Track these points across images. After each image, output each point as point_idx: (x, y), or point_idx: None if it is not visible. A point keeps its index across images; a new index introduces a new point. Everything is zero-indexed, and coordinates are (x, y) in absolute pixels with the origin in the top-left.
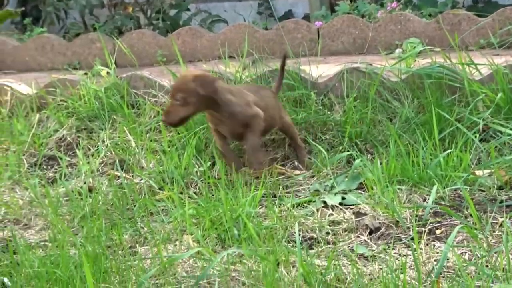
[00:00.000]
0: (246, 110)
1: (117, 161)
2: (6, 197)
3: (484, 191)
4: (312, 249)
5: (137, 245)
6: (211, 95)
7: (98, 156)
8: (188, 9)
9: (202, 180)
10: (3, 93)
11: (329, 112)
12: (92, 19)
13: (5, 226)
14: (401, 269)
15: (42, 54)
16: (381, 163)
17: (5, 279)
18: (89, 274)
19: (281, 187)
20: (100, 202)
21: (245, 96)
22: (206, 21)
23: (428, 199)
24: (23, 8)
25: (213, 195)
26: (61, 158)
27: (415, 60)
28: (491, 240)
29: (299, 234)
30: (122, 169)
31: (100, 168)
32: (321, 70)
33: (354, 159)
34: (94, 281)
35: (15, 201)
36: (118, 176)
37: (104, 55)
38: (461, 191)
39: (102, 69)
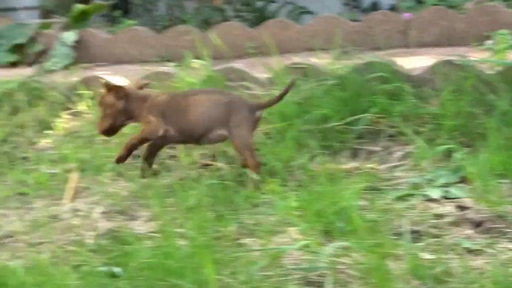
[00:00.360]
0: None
1: (219, 153)
2: (111, 189)
3: None
4: (417, 242)
5: (242, 237)
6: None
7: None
8: (274, 1)
9: (302, 172)
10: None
11: (425, 105)
12: (180, 12)
13: (112, 218)
14: (510, 263)
15: (133, 46)
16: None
17: (117, 269)
18: (209, 264)
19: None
20: (203, 194)
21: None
22: (293, 12)
23: None
24: (113, 1)
25: (314, 187)
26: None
27: (507, 52)
28: None
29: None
30: (221, 161)
31: (199, 160)
32: (412, 62)
33: (452, 152)
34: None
35: (119, 192)
36: (217, 168)
37: (194, 47)
38: None
39: (196, 62)
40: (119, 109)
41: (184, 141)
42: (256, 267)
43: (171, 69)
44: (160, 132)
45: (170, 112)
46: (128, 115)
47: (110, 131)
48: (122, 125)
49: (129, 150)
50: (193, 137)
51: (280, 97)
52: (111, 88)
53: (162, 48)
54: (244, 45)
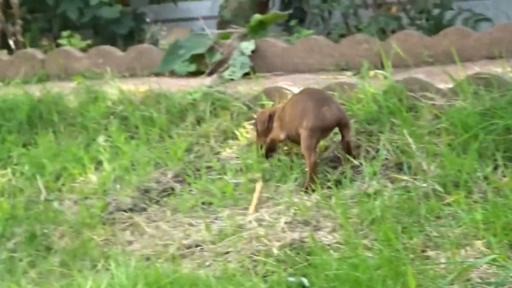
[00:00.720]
0: None
1: (400, 164)
2: (294, 199)
3: None
4: None
5: (427, 249)
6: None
7: (379, 159)
8: (452, 8)
9: (486, 184)
10: (282, 95)
11: None
12: (355, 20)
13: (296, 228)
14: None
15: (310, 55)
16: None
17: (304, 280)
18: (411, 277)
19: None
20: (387, 205)
21: None
22: (469, 20)
23: None
24: (291, 11)
25: (499, 199)
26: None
27: None
28: None
29: None
30: (403, 172)
31: (381, 171)
32: None
33: None
34: (392, 285)
35: (303, 202)
36: (401, 179)
37: (371, 56)
38: None
39: (378, 72)
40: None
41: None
42: (443, 281)
43: (354, 79)
44: (281, 137)
45: (283, 117)
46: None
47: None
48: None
49: (267, 153)
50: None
51: None
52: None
53: (339, 57)
54: (421, 54)
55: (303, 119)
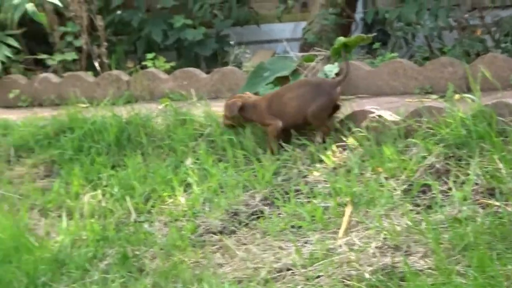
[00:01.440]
0: None
1: (491, 190)
2: (384, 223)
3: None
4: None
5: None
6: None
7: (469, 183)
8: None
9: None
10: (368, 119)
11: None
12: (438, 43)
13: (387, 252)
14: None
15: (394, 78)
16: None
17: None
18: None
19: None
20: (479, 231)
21: None
22: None
23: None
24: (374, 34)
25: None
26: (432, 185)
27: None
28: None
29: None
30: (494, 197)
31: (472, 196)
32: None
33: None
34: None
35: (393, 227)
36: (493, 205)
37: (456, 79)
38: None
39: (465, 96)
40: None
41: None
42: None
43: (442, 103)
44: (280, 125)
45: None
46: None
47: None
48: None
49: (272, 148)
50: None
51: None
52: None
53: (424, 80)
54: (507, 77)
55: (312, 101)
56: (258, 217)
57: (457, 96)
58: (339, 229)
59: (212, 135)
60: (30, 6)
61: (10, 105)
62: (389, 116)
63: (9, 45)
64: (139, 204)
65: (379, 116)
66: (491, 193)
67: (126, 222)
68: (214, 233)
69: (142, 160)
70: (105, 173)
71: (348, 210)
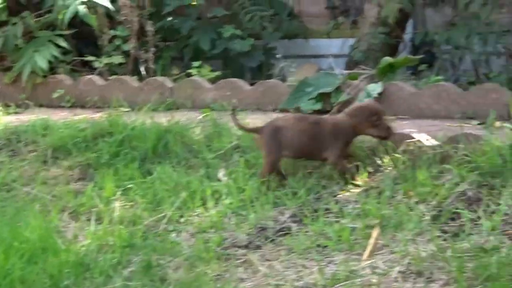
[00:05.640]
0: None
1: None
2: (410, 248)
3: None
4: None
5: None
6: None
7: (499, 214)
8: None
9: None
10: (406, 142)
11: None
12: (485, 68)
13: (409, 278)
14: None
15: (437, 101)
16: None
17: None
18: None
19: None
20: (504, 263)
21: None
22: None
23: None
24: (422, 56)
25: None
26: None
27: None
28: None
29: None
30: None
31: (501, 226)
32: None
33: None
34: None
35: (418, 252)
36: None
37: (500, 106)
38: None
39: (504, 125)
40: None
41: None
42: None
43: (480, 131)
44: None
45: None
46: None
47: None
48: None
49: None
50: None
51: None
52: None
53: (466, 105)
54: None
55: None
56: (285, 234)
57: (498, 124)
58: (364, 251)
59: (248, 148)
60: (81, 8)
61: (53, 105)
62: (426, 141)
63: (58, 45)
64: (169, 213)
65: (417, 140)
66: None
67: (154, 230)
68: (240, 247)
69: (176, 169)
70: (138, 180)
71: (375, 232)
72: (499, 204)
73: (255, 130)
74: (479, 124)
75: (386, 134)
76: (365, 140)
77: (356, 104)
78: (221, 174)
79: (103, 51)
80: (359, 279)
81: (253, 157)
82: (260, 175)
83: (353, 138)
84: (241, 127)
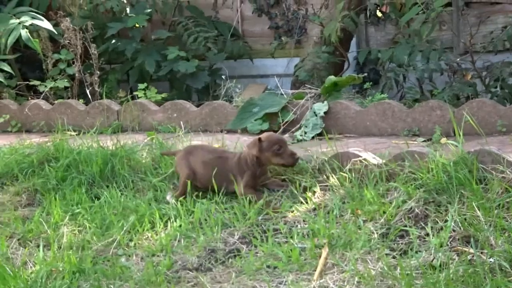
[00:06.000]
0: None
1: (468, 237)
2: (360, 267)
3: None
4: None
5: None
6: None
7: (446, 230)
8: None
9: None
10: (352, 161)
11: None
12: (430, 85)
13: None
14: None
15: (382, 119)
16: None
17: None
18: None
19: None
20: (452, 279)
21: None
22: None
23: None
24: (365, 74)
25: None
26: (410, 230)
27: None
28: None
29: None
30: (470, 245)
31: (448, 243)
32: None
33: None
34: None
35: (368, 271)
36: (468, 253)
37: (444, 122)
38: None
39: (448, 142)
40: None
41: None
42: None
43: (425, 149)
44: None
45: None
46: None
47: None
48: None
49: None
50: None
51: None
52: None
53: (412, 122)
54: (495, 123)
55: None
56: (235, 256)
57: (443, 140)
58: (314, 271)
59: None
60: (24, 32)
61: None
62: (372, 159)
63: (2, 70)
64: (118, 237)
65: (363, 159)
66: (467, 240)
67: (103, 255)
68: (190, 270)
69: (124, 192)
70: (87, 204)
71: (325, 252)
72: (446, 221)
73: (173, 154)
74: (424, 141)
75: (291, 161)
76: (312, 160)
77: (255, 138)
78: (169, 196)
79: (48, 75)
80: None
81: None
82: (176, 197)
83: (260, 168)
84: (162, 153)
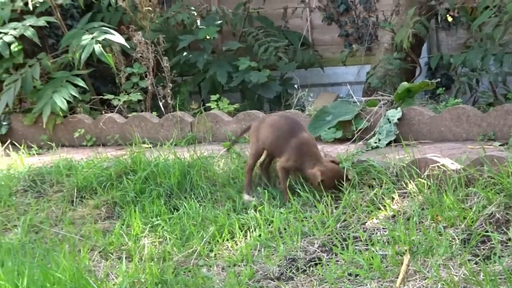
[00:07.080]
0: None
1: None
2: (442, 273)
3: None
4: None
5: None
6: None
7: None
8: None
9: None
10: (430, 167)
11: None
12: (503, 88)
13: None
14: None
15: (457, 124)
16: None
17: None
18: None
19: None
20: None
21: None
22: None
23: None
24: (439, 79)
25: None
26: (492, 236)
27: None
28: None
29: None
30: None
31: None
32: None
33: None
34: None
35: (450, 277)
36: None
37: None
38: None
39: None
40: None
41: None
42: None
43: (502, 152)
44: None
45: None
46: None
47: None
48: None
49: None
50: None
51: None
52: None
53: (487, 127)
54: None
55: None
56: (316, 264)
57: None
58: (397, 278)
59: None
60: (97, 47)
61: (74, 144)
62: (451, 164)
63: (76, 85)
64: (198, 248)
65: (441, 164)
66: None
67: (185, 266)
68: (272, 279)
69: (202, 203)
70: (166, 216)
71: (406, 259)
72: None
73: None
74: (501, 145)
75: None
76: (389, 166)
77: (316, 173)
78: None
79: (121, 88)
80: None
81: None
82: (246, 172)
83: None
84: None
